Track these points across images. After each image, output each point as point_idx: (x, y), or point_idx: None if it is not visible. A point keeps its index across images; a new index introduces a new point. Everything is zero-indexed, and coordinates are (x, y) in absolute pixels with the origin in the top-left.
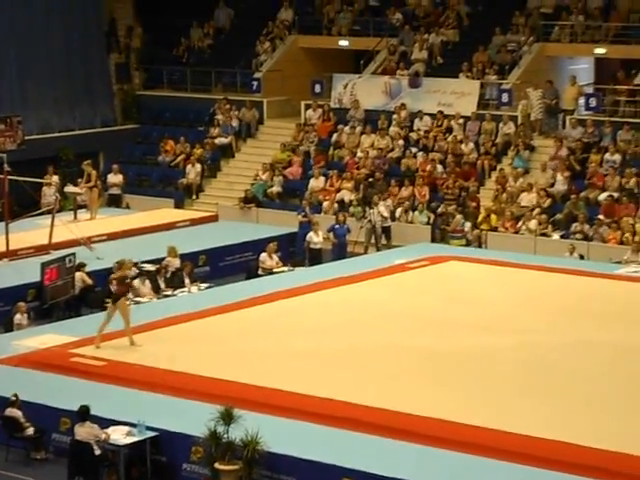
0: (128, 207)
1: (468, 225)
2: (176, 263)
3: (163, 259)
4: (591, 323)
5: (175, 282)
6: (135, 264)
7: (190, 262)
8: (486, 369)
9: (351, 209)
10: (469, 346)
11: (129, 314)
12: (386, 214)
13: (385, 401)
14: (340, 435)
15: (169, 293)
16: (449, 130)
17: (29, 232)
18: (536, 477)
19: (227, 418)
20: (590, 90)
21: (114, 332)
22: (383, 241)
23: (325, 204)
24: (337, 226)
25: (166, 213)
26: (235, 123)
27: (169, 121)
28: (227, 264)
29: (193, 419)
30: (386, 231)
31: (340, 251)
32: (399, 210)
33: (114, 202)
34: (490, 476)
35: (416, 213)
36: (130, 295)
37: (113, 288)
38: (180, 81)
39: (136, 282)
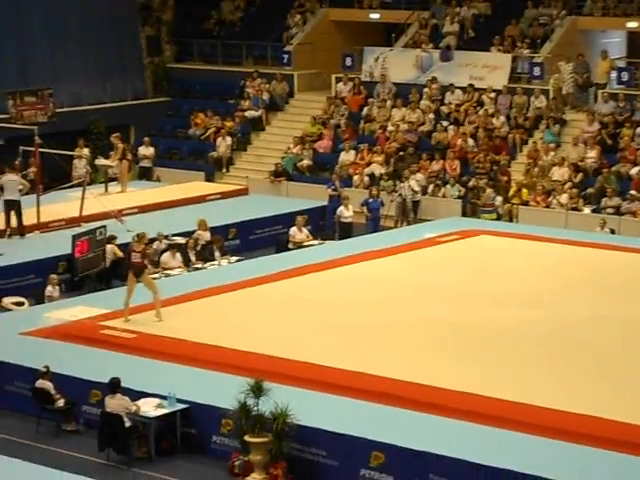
0: (159, 180)
1: (499, 199)
2: (206, 236)
3: (194, 232)
4: (620, 297)
5: (205, 255)
6: (166, 237)
7: (220, 235)
8: (516, 343)
9: (382, 183)
10: (499, 320)
11: (155, 286)
12: (417, 188)
13: (413, 374)
14: (370, 408)
15: (199, 266)
16: (480, 104)
17: (60, 204)
18: (559, 450)
19: (257, 391)
20: (622, 64)
21: (144, 305)
22: (413, 215)
23: (355, 178)
24: (371, 200)
25: (197, 186)
26: (266, 96)
27: (200, 94)
28: (257, 237)
29: (223, 392)
30: (415, 205)
31: (374, 225)
32: (431, 186)
33: (145, 175)
34: (518, 449)
35: (448, 187)
36: (156, 268)
37: (135, 261)
38: (211, 54)
39: (166, 255)
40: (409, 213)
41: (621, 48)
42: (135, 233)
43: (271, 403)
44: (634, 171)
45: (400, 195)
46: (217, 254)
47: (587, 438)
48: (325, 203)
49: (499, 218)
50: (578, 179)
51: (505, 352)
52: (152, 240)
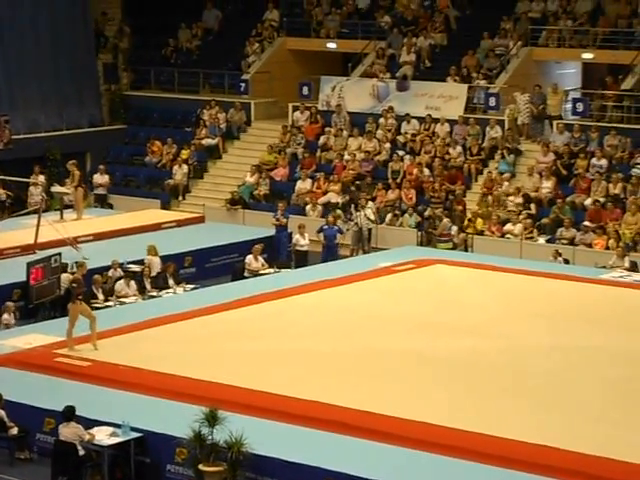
0: (111, 207)
1: (454, 229)
2: (157, 261)
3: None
4: (575, 328)
5: (159, 283)
6: (121, 264)
7: (172, 263)
8: (471, 373)
9: (337, 211)
10: (454, 350)
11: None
12: (372, 217)
13: (370, 404)
14: (324, 437)
15: (154, 294)
16: (436, 134)
17: (15, 231)
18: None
19: (211, 419)
20: (577, 95)
21: (100, 332)
22: (367, 244)
23: (308, 207)
24: (326, 227)
25: (152, 214)
26: (222, 124)
27: (156, 122)
28: (213, 265)
29: (177, 420)
30: (369, 233)
31: (330, 253)
32: (389, 215)
33: (100, 202)
34: (467, 478)
35: (406, 216)
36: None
37: (76, 289)
38: (168, 82)
39: (120, 283)
40: (365, 242)
41: (576, 79)
42: (74, 262)
43: (226, 432)
44: (588, 202)
45: (356, 224)
46: (171, 282)
47: (537, 467)
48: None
49: (455, 247)
50: (533, 209)
51: (460, 381)
52: (107, 268)
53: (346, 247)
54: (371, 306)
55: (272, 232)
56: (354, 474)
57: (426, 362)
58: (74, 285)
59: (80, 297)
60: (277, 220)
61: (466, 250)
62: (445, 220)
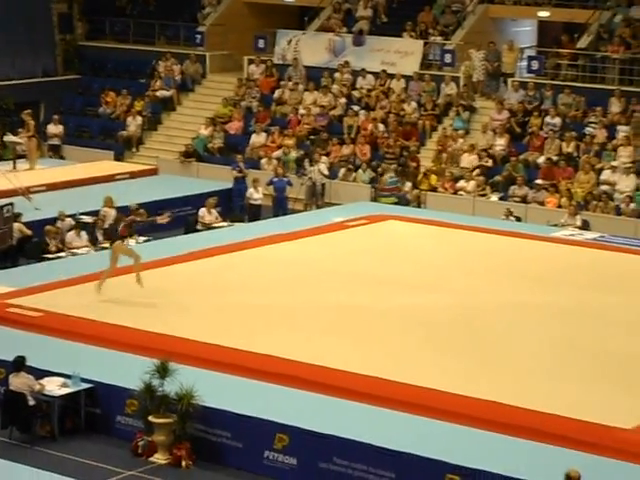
0: (62, 158)
1: (408, 185)
2: (112, 214)
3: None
4: (526, 285)
5: (112, 234)
6: (71, 215)
7: (124, 214)
8: (422, 328)
9: (288, 162)
10: (405, 305)
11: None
12: (326, 172)
13: (322, 358)
14: (275, 391)
15: (106, 245)
16: (391, 89)
17: None
18: (462, 434)
19: (162, 371)
20: (532, 53)
21: (51, 283)
22: (321, 198)
23: (263, 161)
24: (276, 179)
25: (106, 165)
26: (177, 76)
27: (111, 72)
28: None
29: (128, 372)
30: (323, 188)
31: (280, 205)
32: (342, 170)
33: (54, 153)
34: (422, 433)
35: (359, 172)
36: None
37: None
38: (123, 33)
39: (71, 234)
40: (318, 197)
41: (532, 37)
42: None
43: (176, 384)
44: (541, 160)
45: (310, 178)
46: None
47: (488, 423)
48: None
49: (401, 203)
50: (489, 165)
51: (412, 336)
52: (55, 219)
53: (300, 202)
54: (324, 261)
55: (226, 185)
56: (306, 427)
57: (377, 317)
58: (123, 223)
59: (124, 238)
60: (240, 171)
61: (419, 206)
62: (387, 174)
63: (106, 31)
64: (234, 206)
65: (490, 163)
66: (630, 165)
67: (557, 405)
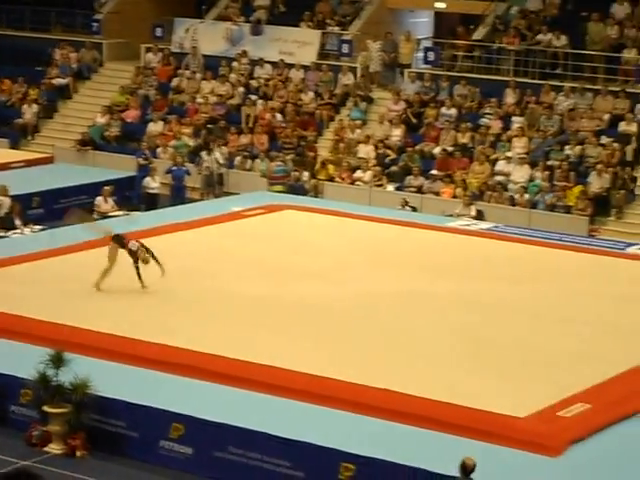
0: None
1: (305, 174)
2: (7, 202)
3: None
4: (423, 274)
5: (7, 223)
6: None
7: (18, 202)
8: (320, 317)
9: (182, 150)
10: (303, 294)
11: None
12: (222, 161)
13: (216, 347)
14: (171, 380)
15: (1, 234)
16: (289, 79)
17: None
18: (359, 423)
19: (57, 361)
20: (429, 44)
21: None
22: (218, 188)
23: (159, 149)
24: (174, 168)
25: (0, 153)
26: (74, 64)
27: (6, 60)
28: (62, 207)
29: (22, 361)
30: (220, 177)
31: (178, 194)
32: (238, 158)
33: None
34: (311, 420)
35: (257, 161)
36: None
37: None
38: (19, 20)
39: None
40: (215, 186)
41: (428, 28)
42: None
43: (71, 374)
44: (437, 150)
45: (207, 168)
46: (18, 222)
47: (384, 412)
48: (132, 173)
49: (295, 192)
50: (390, 156)
51: (309, 325)
52: None
53: (197, 191)
54: (221, 250)
55: (123, 174)
56: (201, 417)
57: (275, 305)
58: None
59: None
60: (145, 159)
61: (316, 196)
62: (273, 163)
63: (2, 18)
64: (136, 194)
65: (391, 154)
66: (524, 156)
67: (453, 394)
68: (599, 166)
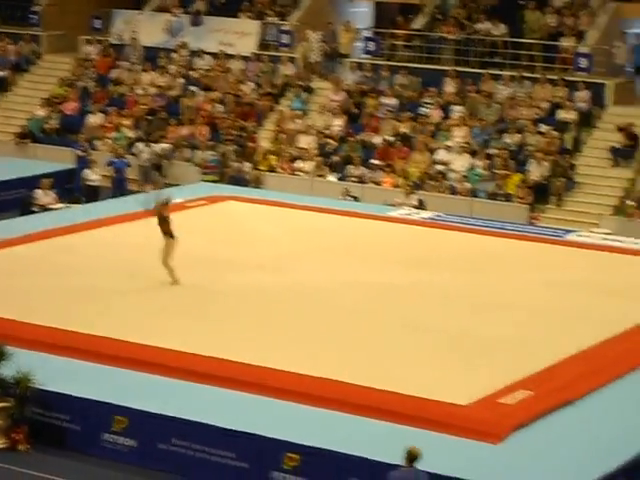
0: None
1: (247, 165)
2: None
3: None
4: (365, 263)
5: None
6: None
7: None
8: (263, 308)
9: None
10: (247, 285)
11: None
12: (162, 152)
13: (157, 339)
14: (113, 373)
15: None
16: (229, 70)
17: None
18: (297, 412)
19: None
20: (369, 34)
21: None
22: (159, 179)
23: (99, 142)
24: (116, 160)
25: None
26: (12, 57)
27: None
28: (1, 200)
29: None
30: (159, 169)
31: (119, 186)
32: (181, 151)
33: None
34: (255, 411)
35: (199, 152)
36: None
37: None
38: None
39: None
40: (154, 177)
41: (368, 18)
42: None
43: (13, 368)
44: (378, 140)
45: (148, 159)
46: None
47: (329, 402)
48: (72, 166)
49: (239, 183)
50: (332, 147)
51: (252, 316)
52: None
53: (136, 182)
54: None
55: (62, 166)
56: (144, 409)
57: (217, 296)
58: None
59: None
60: (84, 151)
61: (258, 187)
62: (209, 152)
63: None
64: (77, 187)
65: (335, 143)
66: (464, 145)
67: (397, 383)
68: (538, 154)
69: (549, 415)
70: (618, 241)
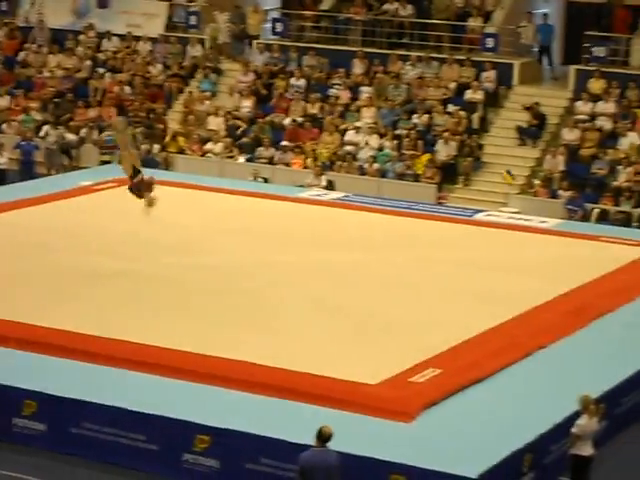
0: None
1: (156, 147)
2: None
3: None
4: (275, 245)
5: None
6: None
7: None
8: (175, 290)
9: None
10: (158, 267)
11: None
12: (71, 135)
13: (72, 323)
14: (19, 357)
15: None
16: (137, 52)
17: None
18: (212, 395)
19: None
20: (277, 15)
21: None
22: (67, 162)
23: (6, 125)
24: (23, 142)
25: None
26: None
27: None
28: None
29: None
30: (68, 152)
31: (27, 169)
32: (84, 130)
33: None
34: (163, 393)
35: (105, 134)
36: None
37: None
38: None
39: None
40: (63, 160)
41: None
42: None
43: None
44: (287, 121)
45: (56, 142)
46: None
47: (238, 383)
48: None
49: (148, 165)
50: (242, 129)
51: (164, 298)
52: None
53: (44, 165)
54: (73, 225)
55: None
56: (52, 393)
57: (128, 279)
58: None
59: None
60: None
61: (167, 169)
62: (105, 132)
63: None
64: None
65: (244, 125)
66: (373, 125)
67: (306, 363)
68: (446, 134)
69: (459, 393)
70: (525, 220)
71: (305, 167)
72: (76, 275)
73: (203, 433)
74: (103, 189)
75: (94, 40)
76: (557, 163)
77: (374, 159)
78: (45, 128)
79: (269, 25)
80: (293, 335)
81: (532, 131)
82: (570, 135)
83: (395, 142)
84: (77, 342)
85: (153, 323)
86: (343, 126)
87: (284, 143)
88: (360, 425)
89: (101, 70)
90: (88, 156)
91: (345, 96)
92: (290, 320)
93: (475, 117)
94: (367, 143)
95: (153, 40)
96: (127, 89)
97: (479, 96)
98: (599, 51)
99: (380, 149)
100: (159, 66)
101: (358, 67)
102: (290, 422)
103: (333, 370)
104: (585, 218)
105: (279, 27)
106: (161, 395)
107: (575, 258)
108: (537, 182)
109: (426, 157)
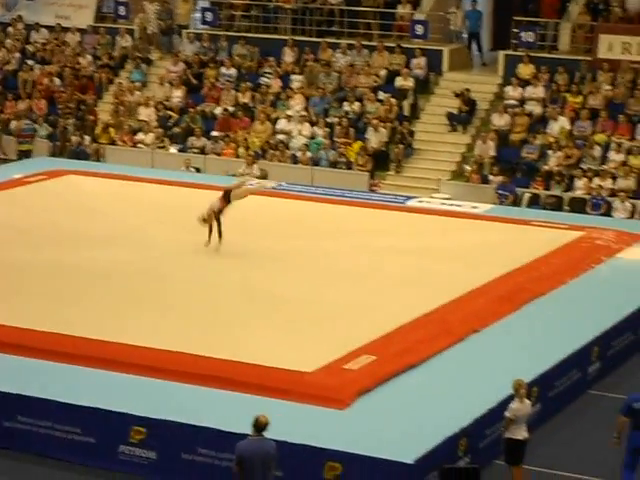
0: None
1: (87, 138)
2: None
3: None
4: (207, 234)
5: None
6: None
7: None
8: (110, 282)
9: None
10: (92, 260)
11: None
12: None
13: (5, 318)
14: None
15: None
16: (66, 43)
17: None
18: (146, 386)
19: None
20: (206, 4)
21: None
22: None
23: None
24: None
25: None
26: None
27: None
28: None
29: None
30: None
31: None
32: (14, 123)
33: None
34: (99, 385)
35: (36, 126)
36: None
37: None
38: None
39: None
40: None
41: None
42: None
43: None
44: (218, 111)
45: None
46: None
47: (174, 374)
48: None
49: (79, 157)
50: (173, 119)
51: (97, 289)
52: None
53: None
54: (3, 218)
55: None
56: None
57: (62, 271)
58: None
59: None
60: None
61: (98, 160)
62: (22, 121)
63: None
64: None
65: (176, 115)
66: (304, 114)
67: (241, 352)
68: (376, 121)
69: (393, 379)
70: (457, 206)
71: (237, 156)
72: (5, 268)
73: (139, 424)
74: (33, 182)
75: (22, 32)
76: (488, 148)
77: (306, 147)
78: None
79: (198, 14)
80: (226, 323)
81: (462, 117)
82: (500, 120)
83: (327, 130)
84: (11, 336)
85: (84, 315)
86: (275, 115)
87: (215, 133)
88: (296, 413)
89: (30, 62)
90: (6, 145)
91: (276, 85)
92: (223, 309)
93: (406, 104)
94: (299, 132)
95: (82, 31)
96: (57, 81)
97: (409, 83)
98: (527, 36)
99: (312, 137)
100: (89, 57)
101: (288, 55)
102: (226, 411)
103: (268, 358)
104: (516, 203)
105: (209, 16)
106: (95, 387)
107: (507, 243)
108: (468, 167)
109: (358, 145)
